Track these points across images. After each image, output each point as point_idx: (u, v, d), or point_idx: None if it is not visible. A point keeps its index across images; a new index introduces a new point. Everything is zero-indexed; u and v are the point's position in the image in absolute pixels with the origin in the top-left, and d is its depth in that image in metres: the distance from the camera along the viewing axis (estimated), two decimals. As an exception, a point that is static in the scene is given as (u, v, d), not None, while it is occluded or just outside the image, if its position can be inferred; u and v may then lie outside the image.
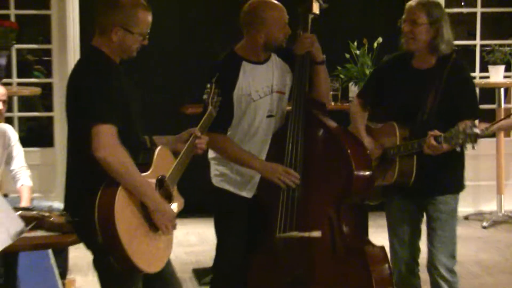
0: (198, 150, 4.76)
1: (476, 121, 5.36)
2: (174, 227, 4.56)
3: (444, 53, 5.44)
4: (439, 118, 5.35)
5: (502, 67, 9.82)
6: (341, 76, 9.25)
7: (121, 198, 4.27)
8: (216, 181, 5.49)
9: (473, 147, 5.14)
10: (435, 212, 5.56)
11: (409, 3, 5.48)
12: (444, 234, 5.56)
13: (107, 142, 4.23)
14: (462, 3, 10.55)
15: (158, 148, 4.60)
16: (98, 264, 4.54)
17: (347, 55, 9.38)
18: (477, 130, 5.08)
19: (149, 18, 4.52)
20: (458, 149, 5.24)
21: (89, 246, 4.53)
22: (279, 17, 5.29)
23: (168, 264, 4.71)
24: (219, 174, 5.47)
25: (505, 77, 9.93)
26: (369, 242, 5.40)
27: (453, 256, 5.57)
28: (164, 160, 4.62)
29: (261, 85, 5.37)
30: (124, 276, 4.45)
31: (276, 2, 5.35)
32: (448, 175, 5.57)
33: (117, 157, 4.25)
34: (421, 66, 5.57)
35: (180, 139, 4.79)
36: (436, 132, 5.16)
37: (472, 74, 9.87)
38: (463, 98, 5.47)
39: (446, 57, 5.47)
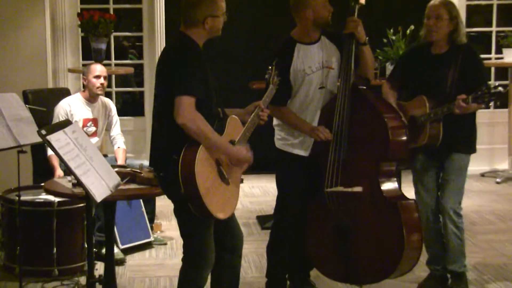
0: (261, 121, 4.79)
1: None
2: (239, 177, 4.70)
3: (460, 43, 5.59)
4: (458, 90, 5.43)
5: (514, 50, 9.74)
6: (380, 57, 9.35)
7: (200, 157, 4.32)
8: (278, 144, 5.48)
9: (498, 103, 5.26)
10: (450, 166, 5.70)
11: (432, 2, 5.68)
12: (455, 184, 5.69)
13: (186, 110, 4.29)
14: (481, -4, 10.46)
15: (230, 117, 4.66)
16: (178, 212, 4.61)
17: (385, 40, 9.40)
18: (500, 88, 5.25)
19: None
20: (483, 106, 5.41)
21: (170, 196, 4.60)
22: None
23: (232, 213, 4.74)
24: (281, 138, 5.46)
25: (517, 59, 9.83)
26: (402, 196, 5.32)
27: (459, 202, 5.71)
28: (234, 127, 4.67)
29: (313, 62, 5.33)
30: (199, 221, 4.49)
31: None
32: (463, 139, 5.70)
33: (195, 122, 4.30)
34: (438, 51, 5.69)
35: (247, 111, 4.83)
36: (463, 96, 5.29)
37: (488, 56, 10.08)
38: (476, 73, 5.61)
39: (458, 44, 5.62)
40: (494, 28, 10.35)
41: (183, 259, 4.68)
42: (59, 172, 6.55)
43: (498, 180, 9.76)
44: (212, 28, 4.53)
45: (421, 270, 5.92)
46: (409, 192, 5.69)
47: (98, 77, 6.91)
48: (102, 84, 6.93)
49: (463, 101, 5.31)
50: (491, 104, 9.70)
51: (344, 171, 5.26)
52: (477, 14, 10.22)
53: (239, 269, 4.91)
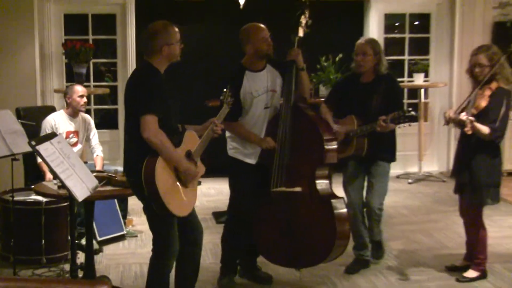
0: (215, 134, 4.78)
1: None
2: (196, 182, 4.66)
3: (383, 73, 5.68)
4: (380, 112, 5.47)
5: (422, 74, 9.84)
6: (314, 80, 9.47)
7: (159, 165, 4.33)
8: (230, 153, 5.44)
9: (410, 125, 5.42)
10: (375, 171, 5.79)
11: (360, 41, 5.77)
12: (379, 186, 5.80)
13: (151, 127, 4.29)
14: (396, 31, 10.51)
15: (187, 131, 4.65)
16: (146, 210, 4.58)
17: (318, 66, 9.46)
18: (413, 113, 5.32)
19: (176, 29, 4.55)
20: (398, 127, 5.50)
21: (139, 197, 4.57)
22: (259, 33, 5.28)
23: (193, 210, 4.72)
24: (232, 147, 5.42)
25: (424, 81, 9.94)
26: (334, 195, 5.33)
27: (382, 200, 5.86)
28: (191, 140, 4.65)
29: (259, 86, 5.32)
30: (163, 218, 4.48)
31: (259, 24, 5.35)
32: (385, 150, 5.76)
33: (157, 137, 4.30)
34: (366, 80, 5.76)
35: (204, 126, 4.82)
36: (383, 117, 5.35)
37: (402, 79, 10.20)
38: (394, 99, 5.68)
39: (382, 74, 5.71)
40: (406, 57, 10.43)
41: (152, 250, 4.65)
42: (49, 175, 6.45)
43: (410, 181, 9.81)
44: (169, 54, 4.50)
45: (348, 256, 5.92)
46: (338, 191, 5.68)
47: (81, 96, 6.86)
48: (85, 102, 6.90)
49: (383, 121, 5.37)
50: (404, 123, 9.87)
51: (287, 174, 5.25)
52: (393, 45, 10.30)
53: (199, 258, 4.88)
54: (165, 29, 4.49)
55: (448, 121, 5.43)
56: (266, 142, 5.27)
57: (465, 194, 5.62)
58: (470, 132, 5.20)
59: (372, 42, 5.76)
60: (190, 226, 4.73)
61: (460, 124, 5.31)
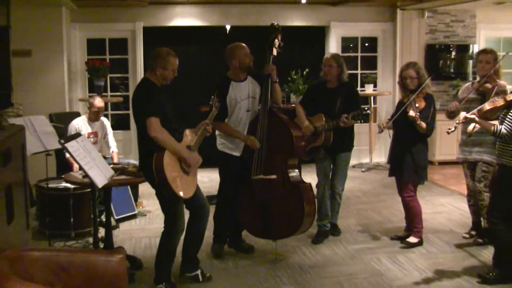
0: (207, 133, 4.79)
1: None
2: (196, 171, 4.63)
3: (345, 81, 5.77)
4: (343, 111, 5.60)
5: (371, 85, 9.89)
6: (286, 90, 9.44)
7: (166, 157, 4.33)
8: (219, 147, 5.43)
9: (363, 122, 5.46)
10: (339, 161, 5.91)
11: (326, 55, 5.91)
12: (342, 172, 5.94)
13: (155, 126, 4.31)
14: (350, 50, 10.54)
15: (186, 131, 4.68)
16: (158, 195, 4.57)
17: (289, 78, 9.44)
18: (368, 112, 5.55)
19: (177, 61, 4.55)
20: (358, 122, 5.73)
21: (152, 185, 4.54)
22: (243, 50, 5.29)
23: (199, 191, 4.71)
24: (221, 143, 5.42)
25: (373, 90, 9.98)
26: (303, 181, 5.34)
27: (344, 183, 6.04)
28: (189, 137, 4.67)
29: (242, 93, 5.32)
30: (172, 200, 4.47)
31: (241, 43, 5.33)
32: (346, 142, 5.88)
33: (161, 135, 4.33)
34: (331, 86, 5.83)
35: (198, 127, 4.81)
36: (345, 115, 5.52)
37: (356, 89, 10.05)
38: (353, 101, 5.74)
39: (344, 81, 5.79)
40: (359, 71, 10.48)
41: (164, 227, 4.65)
42: (75, 167, 6.42)
43: (363, 169, 9.82)
44: (161, 76, 4.49)
45: (313, 229, 5.92)
46: (307, 178, 5.70)
47: (97, 112, 6.83)
48: (101, 113, 6.87)
49: (345, 118, 5.49)
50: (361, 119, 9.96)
51: (265, 165, 5.24)
52: (348, 62, 10.15)
53: (204, 230, 4.86)
54: (166, 56, 4.49)
55: (382, 130, 5.55)
56: (251, 140, 5.24)
57: (404, 175, 5.67)
58: (420, 124, 5.36)
59: (336, 56, 5.84)
60: (197, 205, 4.72)
61: (407, 121, 5.42)
